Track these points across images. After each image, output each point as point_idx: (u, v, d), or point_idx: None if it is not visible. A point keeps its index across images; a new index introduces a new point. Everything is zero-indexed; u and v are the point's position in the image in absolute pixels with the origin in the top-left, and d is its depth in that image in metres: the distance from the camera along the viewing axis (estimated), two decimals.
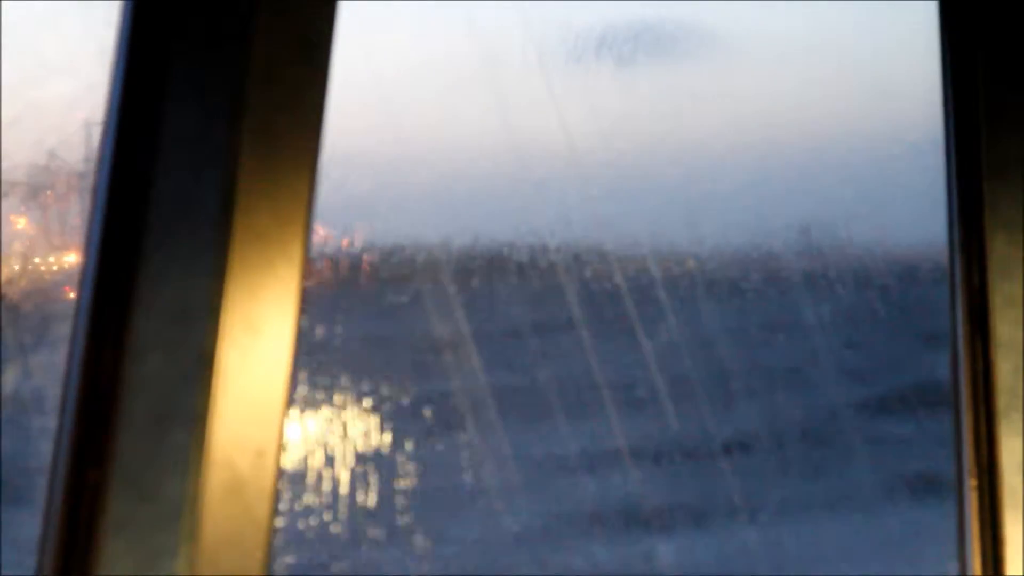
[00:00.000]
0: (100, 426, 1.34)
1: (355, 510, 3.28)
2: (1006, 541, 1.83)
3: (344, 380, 3.26)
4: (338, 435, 3.27)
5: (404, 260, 2.91)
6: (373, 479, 3.35)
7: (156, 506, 1.32)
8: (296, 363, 1.44)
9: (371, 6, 2.15)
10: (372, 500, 3.29)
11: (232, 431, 1.36)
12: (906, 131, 2.81)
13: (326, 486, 3.26)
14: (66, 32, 1.78)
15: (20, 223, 2.26)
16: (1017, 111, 1.97)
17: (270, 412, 1.39)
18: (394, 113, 2.54)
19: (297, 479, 3.15)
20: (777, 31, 3.21)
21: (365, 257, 2.88)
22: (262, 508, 1.37)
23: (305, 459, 3.18)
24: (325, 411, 3.25)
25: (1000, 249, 1.93)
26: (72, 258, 2.18)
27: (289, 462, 2.94)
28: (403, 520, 3.33)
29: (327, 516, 3.24)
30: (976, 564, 1.84)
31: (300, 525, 3.05)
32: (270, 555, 1.37)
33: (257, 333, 1.39)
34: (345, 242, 2.83)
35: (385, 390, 3.45)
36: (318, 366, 3.01)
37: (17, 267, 2.29)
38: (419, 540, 3.37)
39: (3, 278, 2.28)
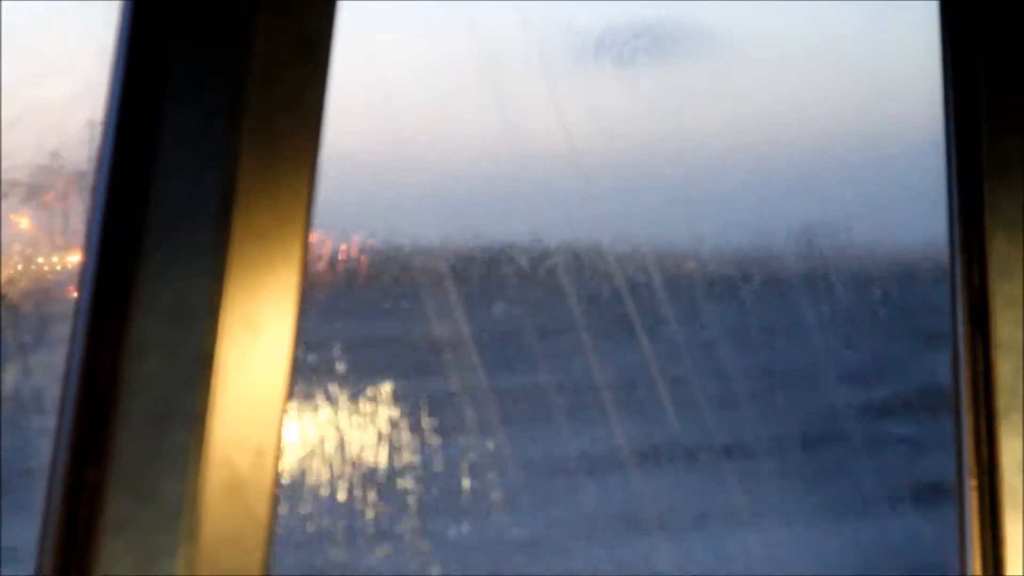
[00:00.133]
0: (99, 425, 1.34)
1: (354, 513, 3.27)
2: (1006, 541, 1.83)
3: (342, 381, 3.26)
4: (336, 437, 3.27)
5: (403, 261, 2.91)
6: (371, 481, 3.35)
7: (155, 506, 1.32)
8: (295, 363, 1.44)
9: (371, 6, 2.16)
10: (371, 502, 3.29)
11: (231, 430, 1.36)
12: (907, 131, 2.81)
13: (322, 488, 3.26)
14: (66, 32, 1.78)
15: (22, 223, 2.26)
16: (1018, 111, 1.97)
17: (269, 412, 1.39)
18: (394, 113, 2.54)
19: (296, 480, 3.15)
20: (778, 31, 3.21)
21: (364, 257, 2.87)
22: (261, 508, 1.37)
23: (301, 461, 3.18)
24: (323, 412, 3.24)
25: (1000, 249, 1.93)
26: (75, 258, 2.18)
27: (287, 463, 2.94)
28: (403, 523, 3.32)
29: (326, 519, 3.23)
30: (976, 564, 1.84)
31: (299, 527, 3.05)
32: (269, 555, 1.36)
33: (257, 333, 1.39)
34: (343, 244, 2.83)
35: (384, 391, 3.45)
36: (318, 367, 3.01)
37: (20, 267, 2.29)
38: (418, 543, 3.37)
39: (5, 278, 2.28)
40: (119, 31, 1.46)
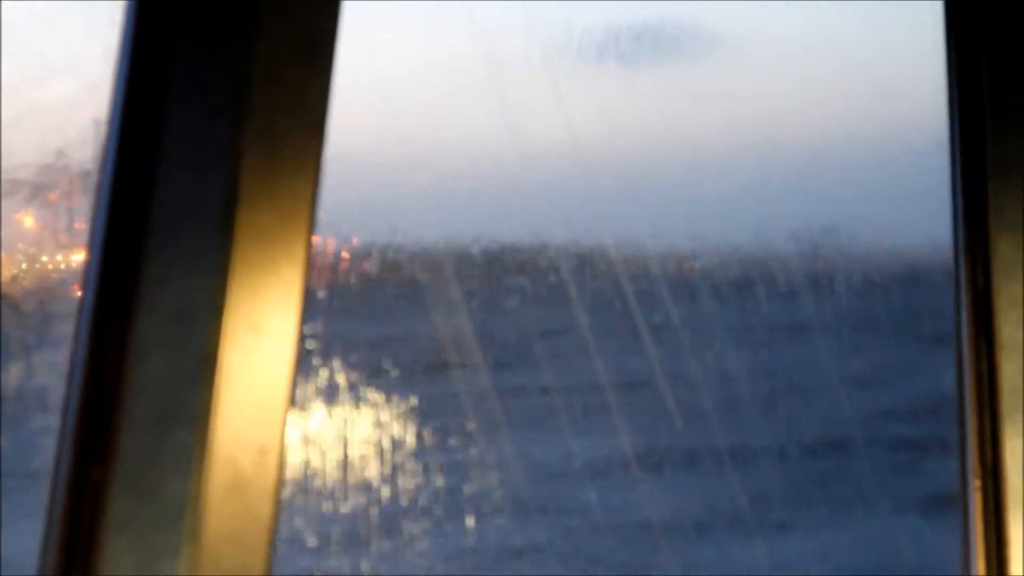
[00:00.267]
0: (102, 425, 1.34)
1: (357, 512, 3.27)
2: (1010, 542, 1.83)
3: (345, 381, 3.25)
4: (338, 439, 3.26)
5: (406, 260, 2.91)
6: (375, 481, 3.34)
7: (158, 505, 1.32)
8: (298, 363, 1.44)
9: (375, 7, 2.16)
10: (374, 504, 3.29)
11: (235, 430, 1.36)
12: (910, 132, 2.81)
13: (327, 486, 3.26)
14: (69, 32, 1.78)
15: (26, 222, 2.26)
16: (1022, 112, 1.97)
17: (273, 411, 1.39)
18: (397, 113, 2.54)
19: (299, 479, 3.14)
20: (780, 32, 3.21)
21: (366, 258, 2.87)
22: (265, 507, 1.37)
23: (305, 460, 3.18)
24: (324, 412, 3.24)
25: (1004, 250, 1.92)
26: (79, 257, 2.18)
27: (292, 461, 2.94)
28: (406, 523, 3.32)
29: (329, 517, 3.23)
30: (980, 565, 1.84)
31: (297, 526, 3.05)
32: (272, 554, 1.36)
33: (260, 332, 1.39)
34: (345, 245, 2.83)
35: (387, 391, 3.45)
36: (320, 367, 3.00)
37: (24, 265, 2.29)
38: (421, 542, 3.36)
39: (9, 276, 2.28)
40: (123, 31, 1.46)
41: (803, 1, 3.13)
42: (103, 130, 1.45)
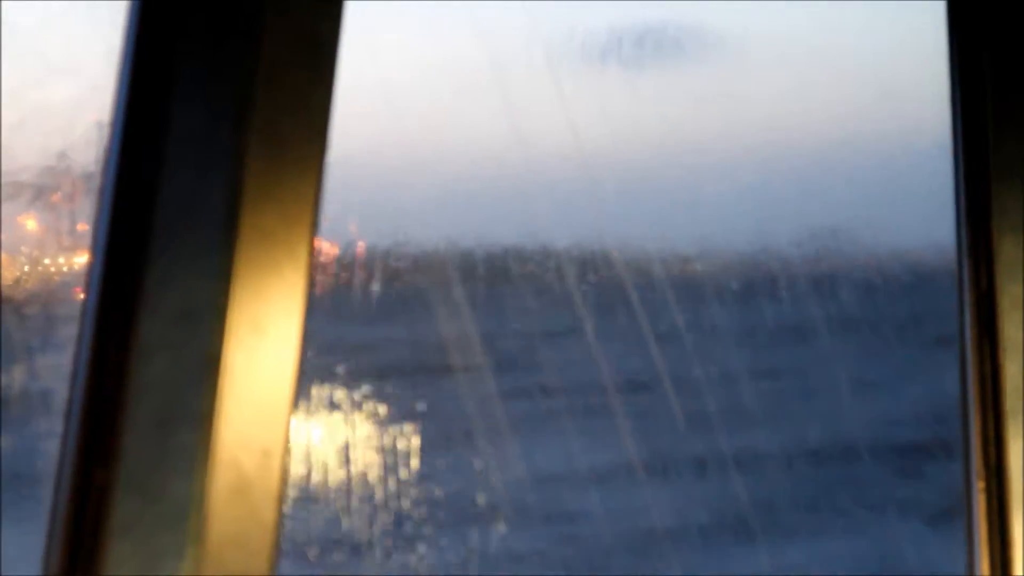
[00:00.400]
0: (106, 427, 1.34)
1: (359, 517, 3.26)
2: (1014, 543, 1.83)
3: (347, 384, 3.25)
4: (339, 441, 3.26)
5: (410, 262, 2.90)
6: (376, 485, 3.34)
7: (162, 507, 1.32)
8: (302, 364, 1.44)
9: (379, 9, 2.15)
10: (374, 509, 3.28)
11: (238, 432, 1.36)
12: (913, 134, 2.81)
13: (328, 491, 3.25)
14: (72, 33, 1.78)
15: (29, 224, 2.26)
16: None
17: (276, 413, 1.39)
18: (400, 115, 2.54)
19: (302, 481, 3.14)
20: (782, 34, 3.21)
21: (369, 259, 2.87)
22: (268, 509, 1.37)
23: (307, 462, 3.17)
24: (325, 416, 3.24)
25: (1008, 252, 1.92)
26: (82, 259, 2.18)
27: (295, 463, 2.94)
28: (407, 528, 3.31)
29: (330, 521, 3.23)
30: (984, 566, 1.84)
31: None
32: (276, 556, 1.36)
33: (263, 334, 1.39)
34: (349, 247, 2.83)
35: (388, 394, 3.44)
36: (323, 369, 3.00)
37: (26, 268, 2.29)
38: (422, 547, 3.36)
39: (12, 279, 2.28)
40: (126, 32, 1.46)
41: (805, 2, 3.13)
42: (105, 132, 1.45)
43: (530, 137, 2.75)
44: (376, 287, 2.89)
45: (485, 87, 2.69)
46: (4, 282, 2.28)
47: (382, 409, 3.35)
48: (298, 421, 1.44)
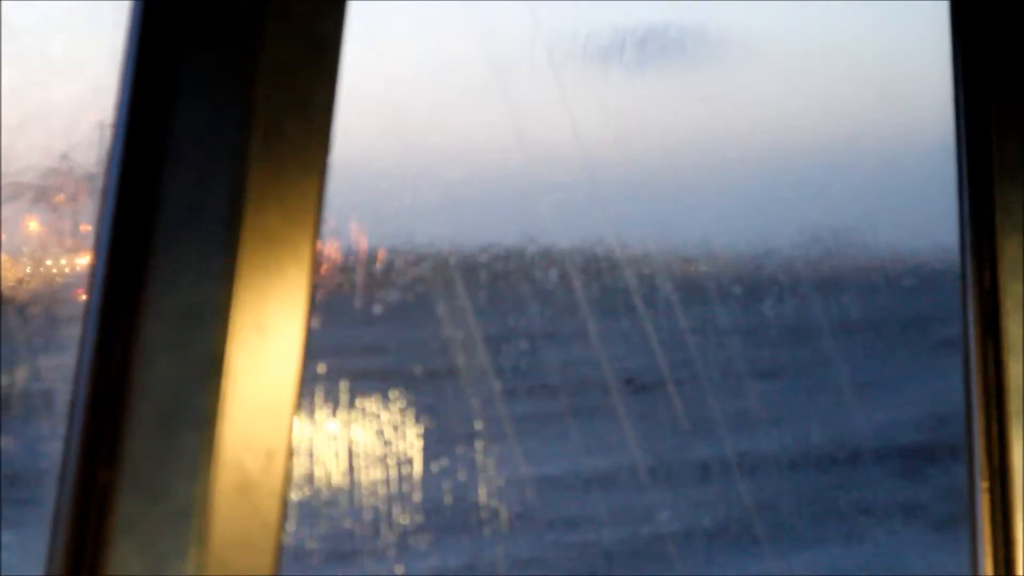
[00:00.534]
0: (109, 427, 1.34)
1: (360, 520, 3.27)
2: (1018, 543, 1.83)
3: (349, 385, 3.25)
4: (342, 444, 3.26)
5: (411, 263, 2.90)
6: (379, 487, 3.34)
7: (165, 507, 1.32)
8: (305, 365, 1.44)
9: (382, 10, 2.15)
10: (379, 510, 3.28)
11: (241, 432, 1.36)
12: (916, 134, 2.81)
13: (330, 494, 3.25)
14: (74, 34, 1.78)
15: (31, 225, 2.26)
16: None
17: (280, 413, 1.39)
18: (402, 116, 2.54)
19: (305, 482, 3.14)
20: (785, 35, 3.21)
21: (371, 261, 2.87)
22: (272, 509, 1.37)
23: (308, 467, 3.17)
24: (326, 418, 3.24)
25: (1011, 251, 1.93)
26: (84, 260, 2.18)
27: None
28: (409, 532, 3.31)
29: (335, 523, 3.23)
30: (988, 566, 1.84)
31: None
32: (280, 556, 1.36)
33: (266, 334, 1.39)
34: (352, 248, 2.83)
35: (391, 396, 3.44)
36: (326, 370, 3.00)
37: (28, 269, 2.29)
38: (424, 551, 3.35)
39: (15, 280, 2.28)
40: (128, 33, 1.46)
41: (808, 3, 3.13)
42: (107, 133, 1.46)
43: (533, 138, 2.75)
44: (377, 288, 2.88)
45: (487, 88, 2.69)
46: (6, 283, 2.28)
47: (384, 411, 3.35)
48: (300, 422, 1.44)
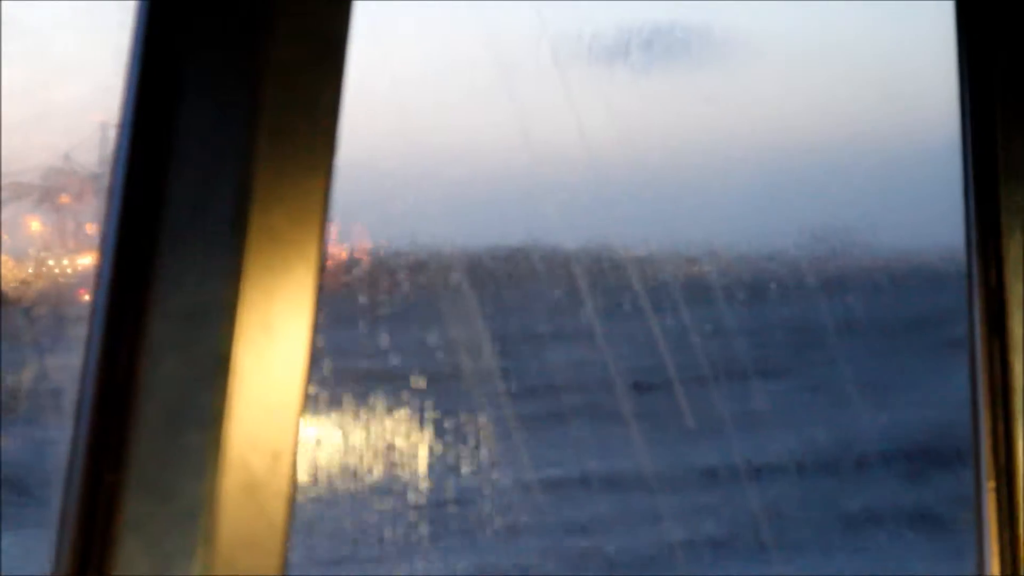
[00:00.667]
0: (116, 427, 1.34)
1: (365, 519, 3.26)
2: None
3: (354, 386, 3.24)
4: (346, 445, 3.25)
5: (418, 264, 2.90)
6: (385, 487, 3.33)
7: (172, 507, 1.32)
8: (312, 365, 1.43)
9: (388, 11, 2.15)
10: (379, 516, 3.27)
11: (248, 432, 1.35)
12: (922, 134, 2.81)
13: (336, 495, 3.25)
14: (80, 34, 1.78)
15: (34, 226, 2.26)
16: None
17: (286, 413, 1.39)
18: (409, 116, 2.54)
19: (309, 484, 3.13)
20: (789, 35, 3.20)
21: (378, 260, 2.86)
22: (278, 509, 1.36)
23: (312, 468, 3.17)
24: (333, 418, 3.23)
25: (1017, 251, 1.92)
26: (86, 260, 2.18)
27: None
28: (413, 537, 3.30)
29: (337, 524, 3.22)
30: (994, 565, 1.84)
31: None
32: (286, 556, 1.36)
33: (273, 334, 1.39)
34: (358, 247, 2.82)
35: (398, 396, 3.44)
36: (330, 371, 2.99)
37: (30, 269, 2.29)
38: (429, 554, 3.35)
39: (15, 280, 2.28)
40: (134, 32, 1.46)
41: (812, 3, 3.13)
42: (109, 133, 1.46)
43: (538, 138, 2.75)
44: (384, 289, 2.88)
45: (492, 88, 2.69)
46: (9, 283, 2.28)
47: (386, 412, 3.34)
48: (307, 423, 1.44)
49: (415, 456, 3.41)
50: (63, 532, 1.32)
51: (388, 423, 3.38)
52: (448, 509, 3.45)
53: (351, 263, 2.80)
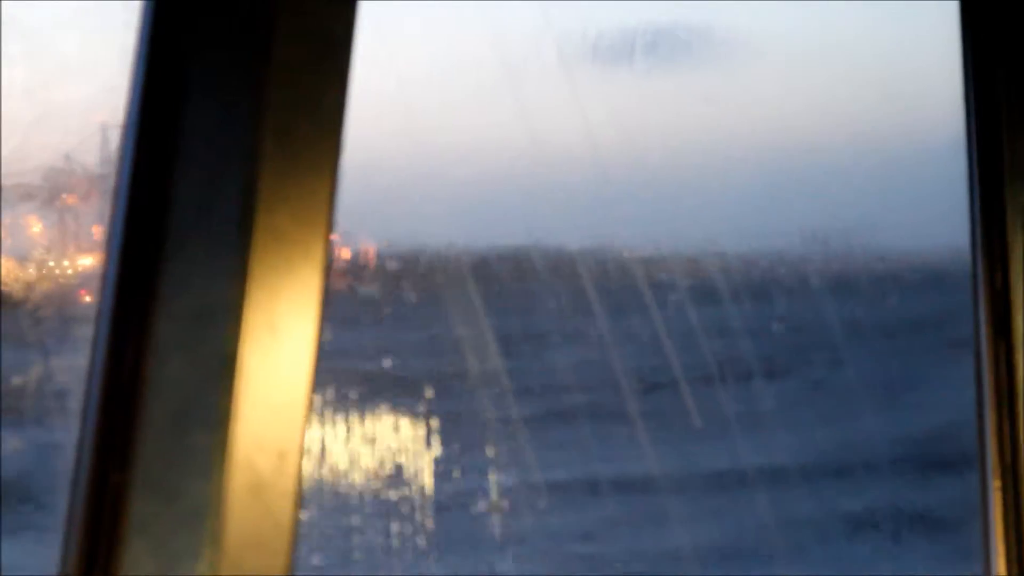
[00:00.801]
0: (122, 428, 1.34)
1: (369, 521, 3.26)
2: None
3: (360, 387, 3.25)
4: (351, 446, 3.25)
5: (423, 264, 2.90)
6: (389, 489, 3.33)
7: (178, 507, 1.32)
8: (318, 365, 1.43)
9: (393, 10, 2.15)
10: (380, 520, 3.28)
11: (254, 432, 1.35)
12: (926, 133, 2.81)
13: (340, 496, 3.25)
14: (85, 34, 1.78)
15: (35, 227, 2.26)
16: None
17: (292, 413, 1.39)
18: (414, 116, 2.54)
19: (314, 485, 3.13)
20: (792, 35, 3.21)
21: (382, 260, 2.86)
22: (285, 510, 1.36)
23: (315, 470, 3.17)
24: (337, 420, 3.23)
25: (1022, 251, 1.92)
26: (87, 261, 2.18)
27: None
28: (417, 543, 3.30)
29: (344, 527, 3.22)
30: (1000, 564, 1.84)
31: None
32: (293, 556, 1.36)
33: (279, 334, 1.39)
34: (364, 249, 2.82)
35: (402, 397, 3.44)
36: (335, 372, 2.99)
37: (32, 270, 2.29)
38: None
39: (18, 280, 2.28)
40: (139, 33, 1.46)
41: (815, 2, 3.13)
42: (113, 134, 1.46)
43: (543, 138, 2.75)
44: (388, 289, 2.88)
45: (497, 88, 2.69)
46: (7, 284, 2.27)
47: (395, 412, 3.34)
48: (313, 424, 1.44)
49: (415, 456, 3.41)
50: (69, 533, 1.32)
51: (388, 423, 3.39)
52: (448, 509, 3.44)
53: (354, 263, 2.81)
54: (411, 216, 2.73)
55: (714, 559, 3.62)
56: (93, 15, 1.74)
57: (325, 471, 3.17)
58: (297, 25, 1.47)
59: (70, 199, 2.14)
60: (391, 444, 3.34)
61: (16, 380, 2.21)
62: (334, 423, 3.16)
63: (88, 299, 1.74)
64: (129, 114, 1.44)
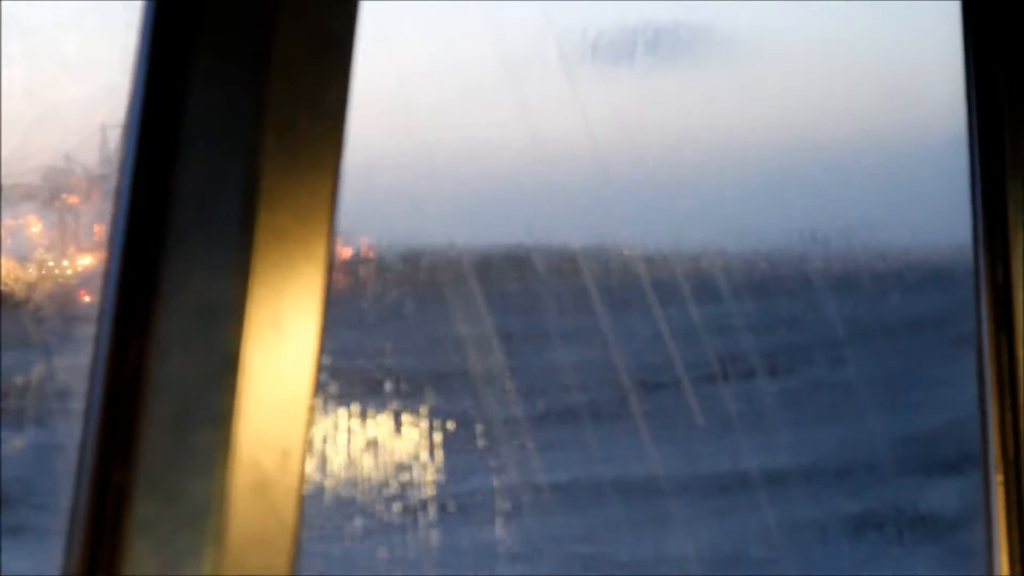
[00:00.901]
0: (124, 427, 1.34)
1: (371, 520, 3.26)
2: None
3: (362, 385, 3.24)
4: (353, 446, 3.25)
5: (424, 262, 2.90)
6: (391, 487, 3.33)
7: (181, 506, 1.32)
8: (320, 363, 1.43)
9: (394, 9, 2.15)
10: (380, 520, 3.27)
11: (257, 431, 1.35)
12: (928, 130, 2.81)
13: (342, 492, 3.25)
14: (86, 34, 1.78)
15: (35, 227, 2.26)
16: None
17: (295, 412, 1.39)
18: (415, 115, 2.54)
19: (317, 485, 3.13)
20: (794, 33, 3.21)
21: (383, 260, 2.86)
22: (288, 508, 1.36)
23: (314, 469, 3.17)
24: (337, 419, 3.23)
25: (1023, 246, 1.92)
26: (87, 261, 2.18)
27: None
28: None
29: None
30: (1003, 560, 1.83)
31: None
32: (296, 555, 1.36)
33: (281, 332, 1.39)
34: (364, 247, 2.82)
35: (405, 396, 3.43)
36: (337, 371, 2.99)
37: (32, 270, 2.29)
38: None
39: (14, 281, 2.28)
40: (141, 32, 1.46)
41: (816, 1, 3.13)
42: (114, 133, 1.46)
43: (543, 136, 2.75)
44: (390, 288, 2.88)
45: (498, 86, 2.69)
46: (7, 284, 2.27)
47: (397, 411, 3.34)
48: (315, 422, 1.43)
49: (416, 457, 3.41)
50: (72, 532, 1.32)
51: (388, 423, 3.39)
52: (448, 509, 3.44)
53: (355, 262, 2.80)
54: (412, 215, 2.73)
55: (715, 559, 3.62)
56: (94, 14, 1.74)
57: (325, 471, 3.17)
58: (298, 24, 1.47)
59: (70, 199, 2.14)
60: (391, 444, 3.34)
61: (17, 380, 2.21)
62: (334, 424, 3.16)
63: (88, 299, 1.74)
64: (131, 113, 1.44)
